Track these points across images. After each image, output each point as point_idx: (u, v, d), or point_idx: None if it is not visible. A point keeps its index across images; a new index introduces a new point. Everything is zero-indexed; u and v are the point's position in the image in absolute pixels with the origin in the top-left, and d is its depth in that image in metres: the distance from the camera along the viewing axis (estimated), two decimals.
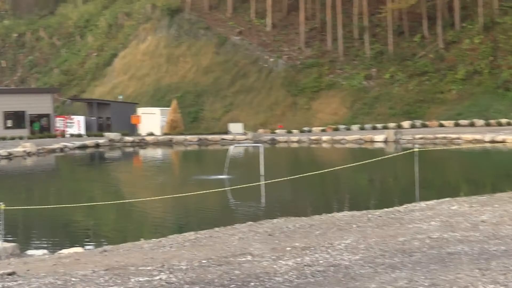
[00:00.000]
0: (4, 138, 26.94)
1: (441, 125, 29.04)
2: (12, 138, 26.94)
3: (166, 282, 2.80)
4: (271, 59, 36.59)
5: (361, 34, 37.28)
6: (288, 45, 37.90)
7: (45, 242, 8.26)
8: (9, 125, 31.93)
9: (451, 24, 35.98)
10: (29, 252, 6.15)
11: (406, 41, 35.65)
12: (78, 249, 5.66)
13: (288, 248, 4.03)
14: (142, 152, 26.67)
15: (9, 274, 3.33)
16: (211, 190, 10.90)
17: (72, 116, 33.24)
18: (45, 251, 6.14)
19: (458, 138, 24.05)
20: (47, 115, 32.80)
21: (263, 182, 12.43)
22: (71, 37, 43.69)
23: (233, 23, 39.46)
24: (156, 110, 31.39)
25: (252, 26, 39.10)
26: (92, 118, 32.62)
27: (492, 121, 28.47)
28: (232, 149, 15.70)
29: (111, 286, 2.79)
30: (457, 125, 28.78)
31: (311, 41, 37.81)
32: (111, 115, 31.52)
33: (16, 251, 5.83)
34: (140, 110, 31.90)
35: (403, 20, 36.84)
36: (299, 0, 36.66)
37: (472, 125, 28.49)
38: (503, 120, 28.32)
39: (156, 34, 39.09)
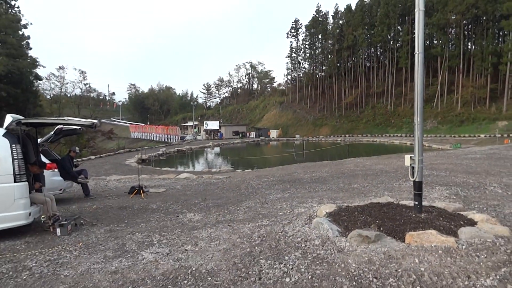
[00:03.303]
0: None
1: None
2: None
3: (275, 179, 10.15)
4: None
5: None
6: None
7: None
8: None
9: None
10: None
11: None
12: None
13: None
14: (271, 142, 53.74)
15: (227, 177, 11.21)
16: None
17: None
18: None
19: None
20: None
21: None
22: None
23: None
24: (274, 130, 65.01)
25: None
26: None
27: None
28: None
29: (254, 180, 10.32)
30: None
31: None
32: (263, 132, 67.24)
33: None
34: (271, 130, 63.37)
35: None
36: None
37: None
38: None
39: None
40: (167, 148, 40.76)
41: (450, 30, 58.96)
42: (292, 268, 3.51)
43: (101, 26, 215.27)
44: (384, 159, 15.16)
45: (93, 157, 27.72)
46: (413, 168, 4.81)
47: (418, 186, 4.79)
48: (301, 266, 3.54)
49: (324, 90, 79.22)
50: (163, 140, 59.50)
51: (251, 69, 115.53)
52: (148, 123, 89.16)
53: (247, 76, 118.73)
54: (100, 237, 4.98)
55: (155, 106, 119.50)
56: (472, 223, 4.43)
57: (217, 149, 45.65)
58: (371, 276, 3.25)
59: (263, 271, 3.49)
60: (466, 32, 59.54)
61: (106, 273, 3.65)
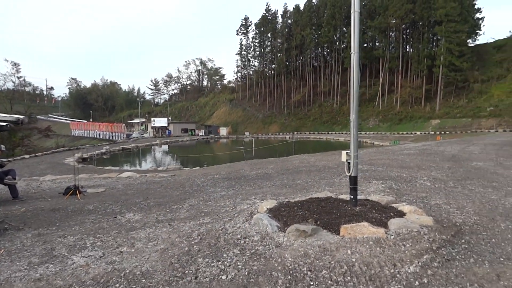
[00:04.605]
0: None
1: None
2: None
3: (220, 177, 10.08)
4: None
5: None
6: None
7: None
8: None
9: None
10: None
11: None
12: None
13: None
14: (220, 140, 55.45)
15: (172, 175, 10.93)
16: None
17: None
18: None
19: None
20: None
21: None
22: None
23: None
24: (224, 128, 66.51)
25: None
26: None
27: None
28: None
29: (200, 177, 10.19)
30: None
31: None
32: (212, 129, 68.27)
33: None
34: (221, 128, 63.55)
35: None
36: None
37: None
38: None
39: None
40: (111, 146, 39.01)
41: (391, 33, 62.54)
42: (229, 265, 3.49)
43: (38, 17, 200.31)
44: (328, 155, 15.73)
45: (27, 156, 25.75)
46: (349, 163, 5.01)
47: (353, 180, 5.00)
48: (238, 263, 3.54)
49: (273, 88, 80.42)
50: (107, 138, 57.00)
51: (201, 65, 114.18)
52: (91, 120, 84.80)
53: (196, 73, 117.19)
54: (26, 242, 4.61)
55: (99, 102, 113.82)
56: (401, 214, 4.70)
57: (165, 147, 44.62)
58: (305, 269, 3.32)
59: (200, 270, 3.43)
60: (404, 36, 63.55)
61: (29, 281, 3.37)
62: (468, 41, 54.71)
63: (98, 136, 60.68)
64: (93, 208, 6.44)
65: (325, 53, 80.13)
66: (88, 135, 65.49)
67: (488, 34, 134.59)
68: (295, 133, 63.51)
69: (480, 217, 4.94)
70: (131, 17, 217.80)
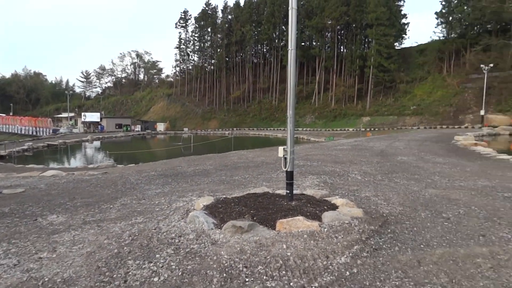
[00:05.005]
0: None
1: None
2: None
3: (156, 174, 9.69)
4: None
5: None
6: None
7: None
8: None
9: None
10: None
11: None
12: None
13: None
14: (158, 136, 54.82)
15: (104, 173, 10.32)
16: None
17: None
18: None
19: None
20: None
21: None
22: None
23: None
24: (161, 123, 62.63)
25: None
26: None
27: None
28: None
29: (134, 175, 9.73)
30: None
31: None
32: (149, 125, 66.24)
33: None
34: (158, 123, 61.54)
35: None
36: None
37: None
38: None
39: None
40: (35, 142, 35.85)
41: (327, 33, 65.21)
42: (162, 266, 3.32)
43: None
44: (266, 151, 15.96)
45: None
46: (285, 159, 5.07)
47: (290, 175, 5.07)
48: (172, 263, 3.39)
49: (213, 83, 79.79)
50: (30, 133, 52.34)
51: (137, 58, 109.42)
52: (11, 114, 77.30)
53: (132, 66, 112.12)
54: None
55: (20, 94, 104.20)
56: (334, 207, 4.87)
57: (96, 143, 42.15)
58: (241, 266, 3.28)
59: (130, 273, 3.22)
60: (339, 37, 66.68)
61: None
62: (395, 44, 59.00)
63: (19, 132, 55.41)
64: (9, 210, 5.80)
65: (264, 50, 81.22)
66: (7, 130, 59.53)
67: (412, 38, 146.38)
68: (235, 129, 63.77)
69: (404, 208, 5.30)
70: (57, 3, 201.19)
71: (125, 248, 3.82)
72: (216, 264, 3.34)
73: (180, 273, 3.18)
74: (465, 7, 52.08)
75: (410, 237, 4.03)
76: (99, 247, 3.88)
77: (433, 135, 26.94)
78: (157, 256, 3.57)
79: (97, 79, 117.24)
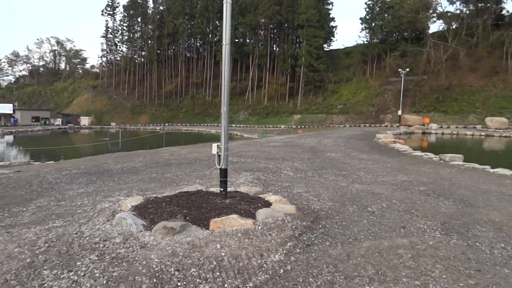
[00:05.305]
0: None
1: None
2: None
3: (79, 172, 8.93)
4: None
5: None
6: None
7: None
8: None
9: None
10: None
11: None
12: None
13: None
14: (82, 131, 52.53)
15: (16, 171, 9.26)
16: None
17: None
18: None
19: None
20: None
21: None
22: None
23: None
24: (86, 117, 61.03)
25: None
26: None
27: None
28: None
29: (53, 173, 8.89)
30: None
31: None
32: (72, 118, 62.67)
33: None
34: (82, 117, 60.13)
35: None
36: None
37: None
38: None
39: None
40: None
41: (260, 31, 66.09)
42: (84, 275, 3.03)
43: None
44: (200, 147, 15.68)
45: None
46: (219, 156, 4.96)
47: (223, 173, 4.98)
48: (95, 271, 3.10)
49: (143, 76, 76.56)
50: None
51: (57, 45, 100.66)
52: None
53: (52, 54, 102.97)
54: None
55: None
56: (268, 204, 4.89)
57: (9, 138, 38.07)
58: (173, 270, 3.12)
59: (46, 285, 2.88)
60: (272, 35, 68.01)
61: None
62: (324, 45, 61.91)
63: None
64: None
65: (198, 44, 79.85)
66: None
67: (339, 41, 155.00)
68: (167, 124, 61.93)
69: (333, 203, 5.52)
70: None
71: (40, 256, 3.42)
72: (145, 269, 3.13)
73: (104, 282, 2.93)
74: (386, 15, 56.46)
75: (340, 231, 4.19)
76: (8, 257, 3.42)
77: (357, 133, 28.81)
78: (78, 263, 3.25)
79: (9, 66, 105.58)
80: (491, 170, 9.76)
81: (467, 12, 53.25)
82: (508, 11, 53.76)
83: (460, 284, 2.94)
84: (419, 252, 3.59)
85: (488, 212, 5.15)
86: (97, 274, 3.04)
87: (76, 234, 4.01)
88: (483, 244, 3.86)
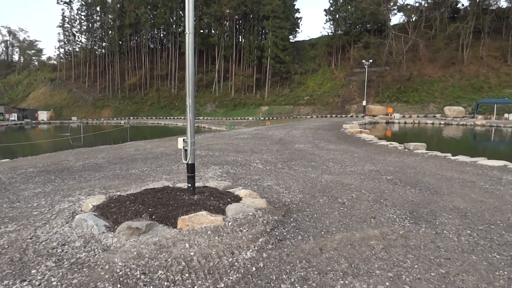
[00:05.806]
0: None
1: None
2: None
3: (36, 170, 8.38)
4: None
5: None
6: None
7: None
8: None
9: None
10: None
11: None
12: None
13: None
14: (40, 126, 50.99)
15: None
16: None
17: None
18: None
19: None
20: None
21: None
22: None
23: None
24: (44, 112, 60.06)
25: None
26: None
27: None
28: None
29: (6, 172, 8.30)
30: None
31: None
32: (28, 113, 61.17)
33: None
34: (40, 112, 59.47)
35: None
36: None
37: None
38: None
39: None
40: None
41: (225, 22, 65.27)
42: (39, 284, 2.78)
43: None
44: (166, 141, 15.27)
45: None
46: (186, 150, 4.77)
47: (191, 168, 4.79)
48: (52, 279, 2.86)
49: (105, 68, 73.67)
50: None
51: (9, 35, 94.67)
52: None
53: (3, 44, 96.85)
54: None
55: None
56: (238, 199, 4.77)
57: None
58: (139, 273, 2.93)
59: None
60: (238, 26, 67.36)
61: None
62: (290, 37, 62.11)
63: None
64: None
65: (161, 35, 77.73)
66: None
67: (305, 32, 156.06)
68: (131, 118, 60.17)
69: (304, 195, 5.48)
70: None
71: None
72: (108, 274, 2.93)
73: None
74: (349, 7, 57.36)
75: (312, 224, 4.14)
76: None
77: (324, 124, 29.23)
78: (33, 272, 2.99)
79: None
80: (452, 158, 10.15)
81: (426, 5, 55.16)
82: (463, 5, 56.34)
83: (432, 274, 2.96)
84: (390, 242, 3.61)
85: (452, 199, 5.30)
86: (54, 283, 2.81)
87: (31, 239, 3.71)
88: (450, 232, 3.94)
